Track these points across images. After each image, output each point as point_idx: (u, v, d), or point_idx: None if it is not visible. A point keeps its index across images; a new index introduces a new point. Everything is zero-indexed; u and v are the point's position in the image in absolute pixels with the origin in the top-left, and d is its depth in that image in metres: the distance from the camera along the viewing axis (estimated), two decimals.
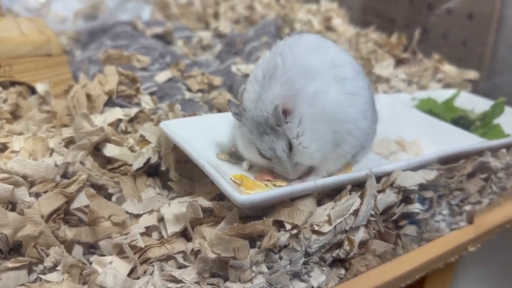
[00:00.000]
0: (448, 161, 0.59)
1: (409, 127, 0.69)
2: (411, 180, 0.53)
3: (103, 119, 0.58)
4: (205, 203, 0.48)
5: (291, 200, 0.47)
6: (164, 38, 1.07)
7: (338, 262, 0.52)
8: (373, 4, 1.29)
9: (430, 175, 0.55)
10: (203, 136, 0.58)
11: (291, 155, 0.51)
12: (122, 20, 1.12)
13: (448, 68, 0.86)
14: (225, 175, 0.53)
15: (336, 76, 0.52)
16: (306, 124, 0.50)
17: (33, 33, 0.74)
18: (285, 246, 0.45)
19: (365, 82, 0.54)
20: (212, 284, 0.44)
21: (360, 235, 0.50)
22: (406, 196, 0.54)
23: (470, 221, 0.64)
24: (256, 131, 0.51)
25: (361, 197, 0.49)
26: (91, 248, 0.49)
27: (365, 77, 0.55)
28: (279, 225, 0.46)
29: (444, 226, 0.61)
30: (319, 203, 0.50)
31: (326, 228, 0.47)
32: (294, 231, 0.45)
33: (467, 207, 0.63)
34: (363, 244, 0.52)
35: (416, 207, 0.55)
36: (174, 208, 0.50)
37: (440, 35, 1.10)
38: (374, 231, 0.52)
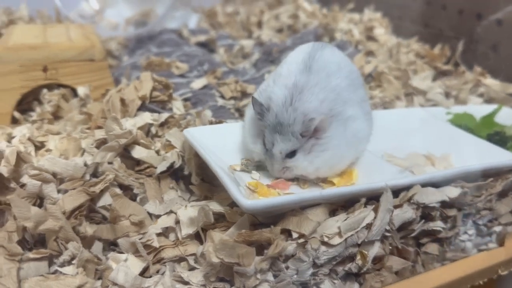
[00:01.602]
0: (476, 178, 0.56)
1: (440, 141, 0.66)
2: (432, 197, 0.52)
3: (134, 122, 0.61)
4: (217, 208, 0.49)
5: (301, 209, 0.47)
6: (208, 46, 1.10)
7: (352, 276, 0.51)
8: (422, 14, 1.26)
9: (453, 192, 0.53)
10: (226, 143, 0.60)
11: (287, 161, 0.54)
12: (169, 28, 1.17)
13: (491, 82, 0.82)
14: (242, 182, 0.55)
15: (358, 99, 0.57)
16: (332, 144, 0.54)
17: (79, 39, 0.79)
18: (292, 256, 0.45)
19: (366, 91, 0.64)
20: None
21: (374, 250, 0.49)
22: (427, 213, 0.53)
23: (501, 243, 0.61)
24: (272, 127, 0.53)
25: (376, 211, 0.48)
26: (112, 245, 0.52)
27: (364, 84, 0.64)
28: (288, 234, 0.46)
29: (471, 246, 0.59)
30: (333, 213, 0.50)
31: (336, 240, 0.46)
32: (301, 241, 0.45)
33: (497, 228, 0.60)
34: (378, 259, 0.51)
35: (437, 224, 0.53)
36: (190, 211, 0.51)
37: (490, 47, 1.06)
38: (390, 247, 0.51)
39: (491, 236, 0.60)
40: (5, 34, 0.85)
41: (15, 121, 0.72)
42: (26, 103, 0.75)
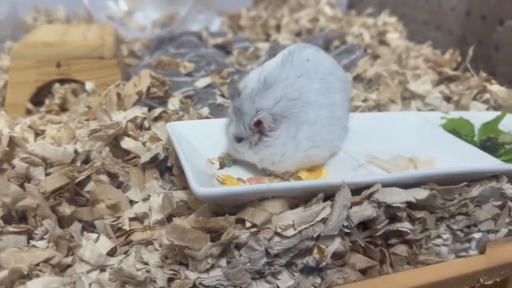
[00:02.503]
0: (453, 182, 0.56)
1: (427, 145, 0.66)
2: (397, 197, 0.52)
3: (125, 115, 0.65)
4: (181, 195, 0.52)
5: (260, 200, 0.49)
6: (225, 48, 1.14)
7: (314, 271, 0.53)
8: (446, 20, 1.24)
9: (421, 194, 0.53)
10: (208, 137, 0.62)
11: (235, 144, 0.58)
12: (191, 30, 1.22)
13: (497, 88, 0.80)
14: (215, 175, 0.57)
15: (328, 103, 0.58)
16: (277, 142, 0.56)
17: (93, 38, 0.85)
18: (245, 244, 0.47)
19: (348, 97, 0.63)
20: (173, 270, 0.47)
21: (334, 245, 0.50)
22: (392, 213, 0.53)
23: (481, 250, 0.60)
24: (234, 110, 0.58)
25: (332, 206, 0.49)
26: (91, 227, 0.56)
27: (348, 90, 0.62)
28: (244, 223, 0.48)
29: (446, 251, 0.58)
30: (296, 207, 0.51)
31: (290, 232, 0.48)
32: (253, 230, 0.47)
33: (477, 235, 0.59)
34: (339, 256, 0.52)
35: (404, 226, 0.53)
36: (161, 199, 0.54)
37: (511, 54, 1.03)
38: (351, 244, 0.52)
39: (470, 242, 0.59)
40: (31, 32, 0.92)
41: (29, 112, 0.78)
42: (41, 96, 0.81)
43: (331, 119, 0.57)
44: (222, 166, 0.61)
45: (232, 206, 0.51)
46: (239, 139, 0.57)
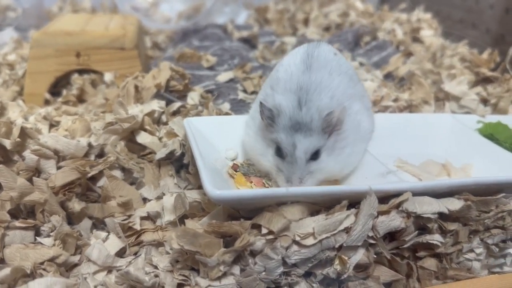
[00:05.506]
0: (490, 192, 0.51)
1: (462, 150, 0.61)
2: (428, 207, 0.47)
3: (141, 109, 0.63)
4: (195, 196, 0.49)
5: (278, 205, 0.46)
6: (250, 42, 1.10)
7: (334, 282, 0.49)
8: (484, 18, 1.17)
9: (454, 204, 0.48)
10: (226, 134, 0.59)
11: (311, 164, 0.51)
12: (216, 22, 1.19)
13: None
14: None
15: (358, 94, 0.56)
16: (349, 138, 0.53)
17: (115, 28, 0.83)
18: (261, 252, 0.44)
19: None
20: (183, 276, 0.44)
21: (357, 257, 0.47)
22: (422, 224, 0.49)
23: None
24: (288, 128, 0.50)
25: (357, 215, 0.45)
26: (102, 224, 0.54)
27: None
28: (260, 229, 0.45)
29: (479, 266, 0.53)
30: (317, 214, 0.48)
31: (310, 241, 0.44)
32: (270, 237, 0.44)
33: None
34: (363, 268, 0.48)
35: (435, 238, 0.49)
36: (174, 199, 0.51)
37: None
38: (375, 256, 0.48)
39: (505, 258, 0.54)
40: (53, 21, 0.90)
41: (47, 103, 0.76)
42: (60, 86, 0.79)
43: (366, 110, 0.58)
44: (235, 168, 0.57)
45: (248, 210, 0.48)
46: (315, 155, 0.50)
